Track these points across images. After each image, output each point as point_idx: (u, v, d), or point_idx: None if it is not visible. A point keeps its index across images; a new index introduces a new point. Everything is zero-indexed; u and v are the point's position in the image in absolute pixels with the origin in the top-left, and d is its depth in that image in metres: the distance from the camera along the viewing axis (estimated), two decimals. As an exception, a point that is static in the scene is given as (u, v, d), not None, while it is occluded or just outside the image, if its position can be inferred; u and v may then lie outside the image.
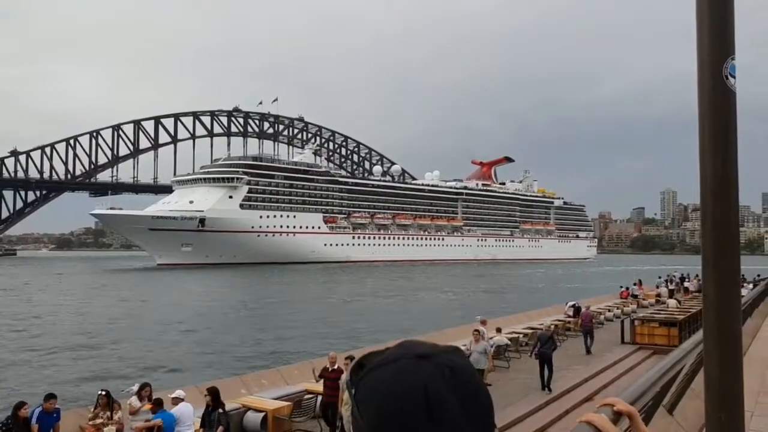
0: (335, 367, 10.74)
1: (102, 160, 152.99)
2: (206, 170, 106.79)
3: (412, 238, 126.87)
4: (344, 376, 10.06)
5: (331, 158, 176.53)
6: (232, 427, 10.23)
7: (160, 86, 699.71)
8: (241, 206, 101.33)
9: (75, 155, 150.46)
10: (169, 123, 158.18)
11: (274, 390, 12.22)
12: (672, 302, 25.64)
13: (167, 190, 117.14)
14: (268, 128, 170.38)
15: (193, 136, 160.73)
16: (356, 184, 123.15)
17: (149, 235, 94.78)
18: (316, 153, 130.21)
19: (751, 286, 27.25)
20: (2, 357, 21.33)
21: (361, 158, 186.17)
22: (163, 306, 38.18)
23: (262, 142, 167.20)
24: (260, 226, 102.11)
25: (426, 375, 0.77)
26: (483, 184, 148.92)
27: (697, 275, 36.07)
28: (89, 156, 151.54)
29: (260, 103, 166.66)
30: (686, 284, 36.53)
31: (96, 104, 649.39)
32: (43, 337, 25.46)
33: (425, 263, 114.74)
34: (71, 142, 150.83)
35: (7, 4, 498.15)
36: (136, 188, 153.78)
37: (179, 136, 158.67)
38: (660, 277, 39.73)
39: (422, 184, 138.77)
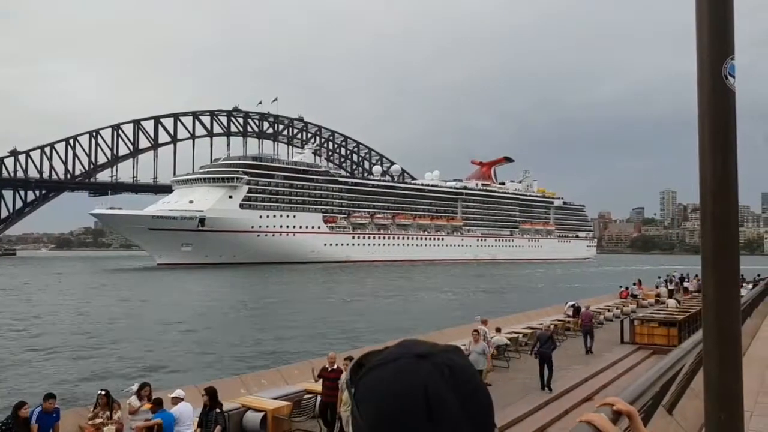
0: (334, 367, 10.75)
1: (101, 159, 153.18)
2: (206, 170, 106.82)
3: (412, 238, 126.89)
4: (344, 376, 10.06)
5: (331, 158, 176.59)
6: (231, 427, 10.24)
7: (160, 86, 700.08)
8: (241, 206, 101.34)
9: (74, 155, 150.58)
10: (168, 123, 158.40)
11: (274, 390, 12.22)
12: (671, 302, 25.64)
13: (167, 189, 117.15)
14: (268, 128, 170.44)
15: (193, 136, 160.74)
16: (356, 184, 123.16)
17: (149, 235, 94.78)
18: (315, 153, 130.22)
19: (750, 286, 27.26)
20: (2, 357, 21.33)
21: (360, 158, 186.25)
22: (162, 306, 38.18)
23: (262, 142, 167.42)
24: (260, 226, 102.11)
25: (425, 374, 0.77)
26: (483, 184, 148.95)
27: (696, 275, 36.06)
28: (89, 156, 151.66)
29: (260, 103, 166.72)
30: (686, 284, 36.53)
31: (96, 104, 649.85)
32: (43, 337, 25.46)
33: (425, 263, 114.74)
34: (71, 142, 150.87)
35: (7, 4, 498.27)
36: (136, 188, 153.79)
37: (179, 136, 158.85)
38: (659, 277, 39.75)
39: (422, 184, 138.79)
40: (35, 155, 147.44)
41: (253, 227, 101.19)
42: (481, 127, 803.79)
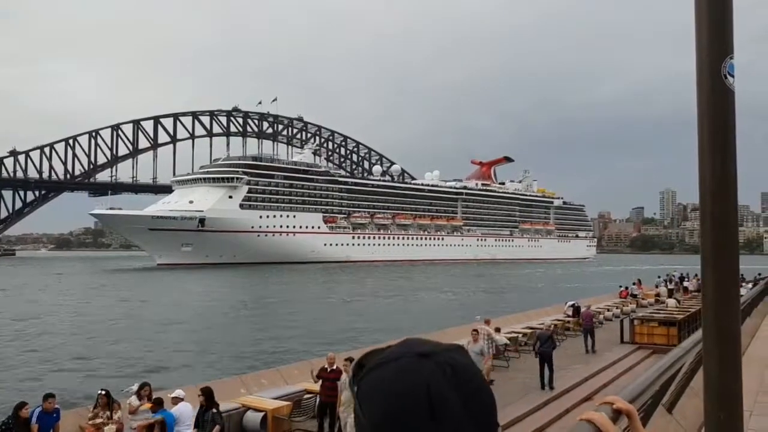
0: (333, 367, 10.74)
1: (101, 160, 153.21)
2: (206, 170, 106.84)
3: (412, 238, 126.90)
4: (344, 377, 10.07)
5: (331, 158, 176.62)
6: (232, 427, 10.25)
7: (160, 86, 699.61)
8: (241, 206, 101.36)
9: (74, 155, 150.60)
10: (168, 123, 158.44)
11: (274, 390, 12.23)
12: (671, 302, 25.65)
13: (166, 190, 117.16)
14: (268, 128, 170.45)
15: (193, 136, 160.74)
16: (356, 184, 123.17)
17: (149, 235, 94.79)
18: (315, 153, 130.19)
19: (750, 285, 27.25)
20: (2, 357, 21.33)
21: (360, 158, 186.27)
22: (162, 306, 38.16)
23: (261, 142, 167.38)
24: (260, 226, 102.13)
25: (428, 373, 0.77)
26: (483, 184, 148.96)
27: (696, 275, 36.07)
28: (88, 156, 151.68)
29: (260, 103, 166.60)
30: (685, 284, 36.54)
31: (95, 104, 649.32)
32: (43, 337, 25.46)
33: (425, 263, 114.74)
34: (70, 142, 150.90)
35: (7, 4, 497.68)
36: (136, 188, 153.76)
37: (178, 136, 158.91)
38: (659, 277, 39.78)
39: (422, 184, 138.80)
40: (35, 155, 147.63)
41: (253, 227, 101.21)
42: (481, 127, 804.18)
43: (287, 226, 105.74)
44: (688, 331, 18.16)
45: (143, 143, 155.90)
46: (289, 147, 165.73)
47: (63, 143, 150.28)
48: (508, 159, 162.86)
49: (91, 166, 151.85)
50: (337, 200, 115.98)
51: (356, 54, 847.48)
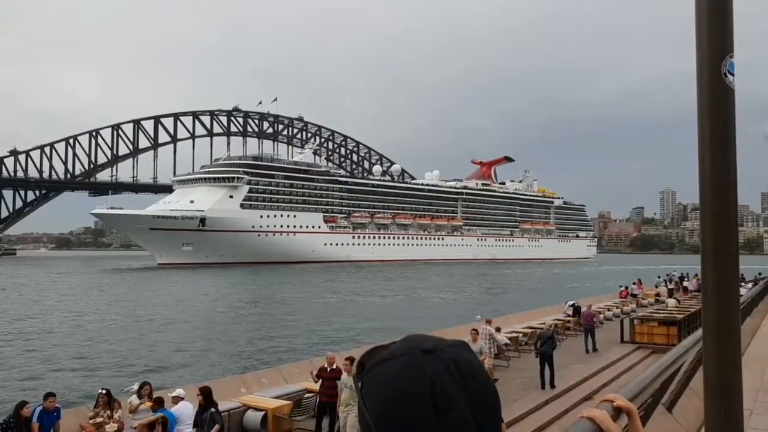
0: (333, 367, 10.75)
1: (101, 159, 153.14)
2: (207, 170, 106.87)
3: (412, 238, 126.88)
4: (344, 376, 10.07)
5: (331, 158, 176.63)
6: (232, 426, 10.26)
7: (160, 86, 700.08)
8: (242, 206, 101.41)
9: (74, 155, 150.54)
10: (168, 123, 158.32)
11: (274, 389, 12.24)
12: (671, 301, 25.64)
13: (167, 189, 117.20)
14: (268, 128, 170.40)
15: (193, 136, 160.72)
16: (356, 184, 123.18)
17: (150, 235, 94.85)
18: (315, 153, 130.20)
19: (750, 285, 27.24)
20: (3, 356, 21.35)
21: (360, 158, 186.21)
22: (163, 305, 38.17)
23: (262, 141, 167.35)
24: (260, 226, 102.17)
25: (432, 369, 0.77)
26: (483, 184, 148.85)
27: (696, 275, 36.06)
28: (89, 156, 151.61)
29: (260, 102, 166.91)
30: (685, 284, 36.52)
31: (96, 104, 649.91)
32: (44, 337, 25.47)
33: (425, 263, 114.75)
34: (71, 141, 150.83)
35: (7, 4, 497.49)
36: (136, 188, 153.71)
37: (179, 136, 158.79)
38: (659, 277, 39.80)
39: (422, 184, 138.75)
40: (35, 155, 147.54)
41: (253, 227, 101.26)
42: (481, 126, 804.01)
43: (288, 226, 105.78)
44: (688, 331, 18.17)
45: (143, 143, 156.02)
46: (290, 147, 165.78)
47: (63, 143, 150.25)
48: (508, 159, 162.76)
49: (92, 166, 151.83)
50: (337, 200, 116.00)
51: (356, 54, 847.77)
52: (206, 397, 9.24)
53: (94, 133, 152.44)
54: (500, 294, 50.10)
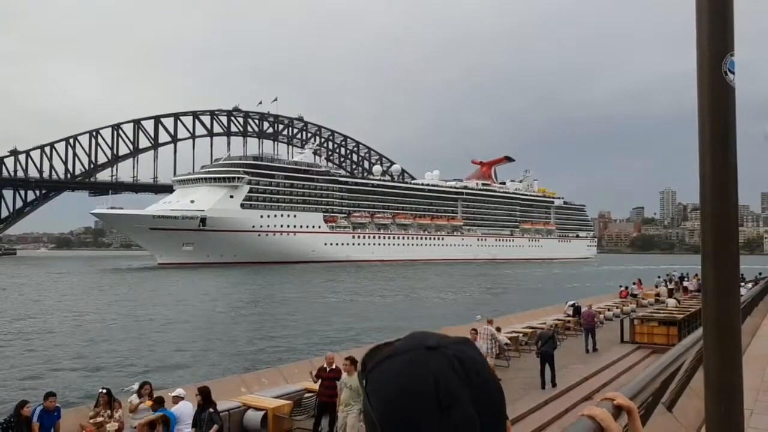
0: (333, 367, 10.75)
1: (102, 159, 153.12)
2: (207, 170, 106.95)
3: (412, 238, 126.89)
4: (344, 376, 10.07)
5: (331, 158, 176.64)
6: (232, 426, 10.26)
7: (160, 86, 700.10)
8: (242, 206, 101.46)
9: (75, 155, 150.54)
10: (168, 122, 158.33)
11: (275, 389, 12.24)
12: (671, 301, 25.65)
13: (167, 189, 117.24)
14: (268, 128, 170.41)
15: (193, 136, 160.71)
16: (356, 184, 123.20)
17: (150, 235, 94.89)
18: (315, 153, 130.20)
19: (750, 285, 27.24)
20: (4, 356, 21.35)
21: (360, 158, 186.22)
22: (163, 305, 38.18)
23: (262, 141, 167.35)
24: (261, 226, 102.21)
25: (436, 366, 0.77)
26: (483, 184, 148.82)
27: (696, 275, 36.06)
28: (89, 155, 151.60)
29: (260, 102, 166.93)
30: (685, 284, 36.51)
31: (96, 104, 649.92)
32: (44, 337, 25.47)
33: (425, 263, 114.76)
34: (71, 141, 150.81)
35: (7, 4, 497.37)
36: (136, 188, 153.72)
37: (179, 136, 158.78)
38: (659, 277, 39.80)
39: (422, 184, 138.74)
40: (35, 155, 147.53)
41: (254, 227, 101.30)
42: (481, 126, 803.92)
43: (288, 226, 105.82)
44: (688, 331, 18.16)
45: (144, 143, 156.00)
46: (290, 147, 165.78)
47: (63, 143, 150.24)
48: (508, 159, 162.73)
49: (92, 166, 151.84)
50: (337, 200, 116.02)
51: (356, 54, 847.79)
52: (205, 397, 9.24)
53: (94, 133, 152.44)
54: (500, 294, 50.10)
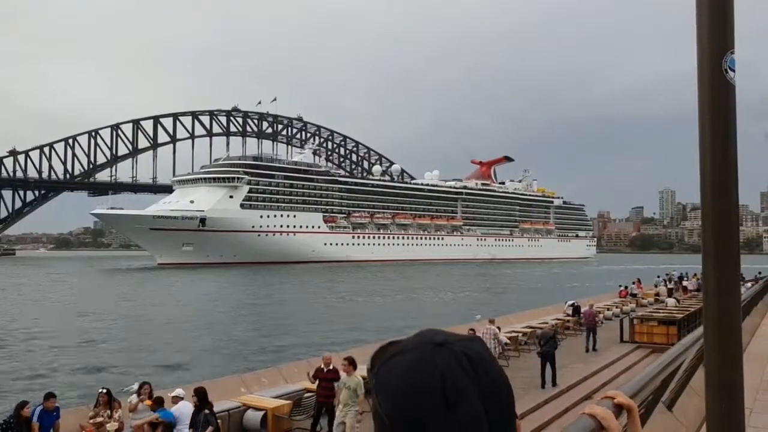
0: (330, 367, 10.75)
1: (101, 159, 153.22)
2: (207, 170, 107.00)
3: (412, 238, 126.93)
4: (343, 377, 10.07)
5: (330, 158, 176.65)
6: (232, 426, 10.26)
7: (160, 86, 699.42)
8: (242, 206, 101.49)
9: (74, 155, 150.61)
10: (168, 123, 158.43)
11: (274, 389, 12.25)
12: (671, 301, 25.66)
13: (166, 189, 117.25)
14: (267, 128, 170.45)
15: (192, 136, 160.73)
16: (356, 184, 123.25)
17: (150, 235, 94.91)
18: (315, 153, 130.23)
19: (750, 284, 27.25)
20: (3, 356, 21.34)
21: (360, 158, 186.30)
22: (163, 305, 38.19)
23: (261, 141, 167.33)
24: (260, 226, 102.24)
25: (442, 363, 0.77)
26: (482, 184, 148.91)
27: (695, 274, 36.11)
28: (88, 156, 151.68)
29: (259, 103, 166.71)
30: (685, 283, 36.52)
31: (95, 104, 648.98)
32: (44, 337, 25.47)
33: (425, 263, 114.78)
34: (70, 141, 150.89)
35: (7, 4, 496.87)
36: (135, 188, 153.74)
37: (178, 136, 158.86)
38: (659, 276, 39.80)
39: (422, 184, 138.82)
40: (34, 155, 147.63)
41: (253, 227, 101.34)
42: (481, 126, 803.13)
43: (287, 226, 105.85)
44: (687, 330, 18.16)
45: (143, 143, 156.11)
46: (289, 147, 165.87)
47: (63, 143, 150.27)
48: (508, 158, 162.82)
49: (91, 166, 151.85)
50: (337, 200, 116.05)
51: (356, 54, 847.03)
52: (201, 398, 9.22)
53: (93, 133, 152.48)
54: (500, 294, 50.11)
